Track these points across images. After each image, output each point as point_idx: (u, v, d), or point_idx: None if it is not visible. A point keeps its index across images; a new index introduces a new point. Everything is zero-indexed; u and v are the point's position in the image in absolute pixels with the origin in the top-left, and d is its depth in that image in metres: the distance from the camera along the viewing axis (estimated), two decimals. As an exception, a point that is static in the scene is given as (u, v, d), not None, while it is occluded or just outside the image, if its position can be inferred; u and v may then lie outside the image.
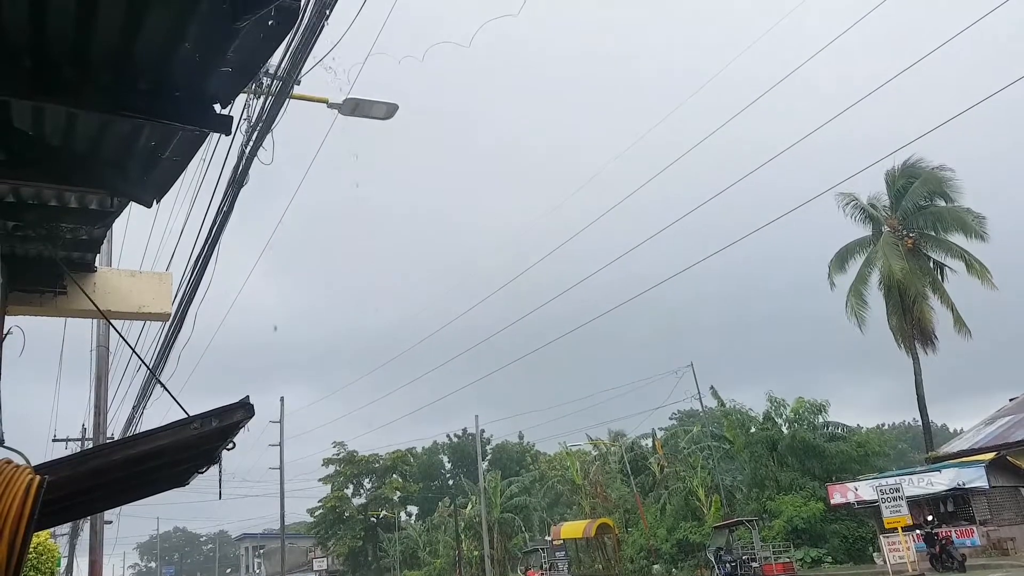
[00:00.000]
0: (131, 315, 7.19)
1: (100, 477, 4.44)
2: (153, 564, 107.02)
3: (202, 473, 5.46)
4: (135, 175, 4.20)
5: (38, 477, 3.21)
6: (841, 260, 32.95)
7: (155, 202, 4.52)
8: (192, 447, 4.77)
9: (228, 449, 5.19)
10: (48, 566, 13.35)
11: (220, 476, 5.16)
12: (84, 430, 26.58)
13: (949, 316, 30.58)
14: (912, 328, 30.47)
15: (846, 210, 32.72)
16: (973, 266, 29.86)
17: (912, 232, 31.10)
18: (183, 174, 4.41)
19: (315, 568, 59.92)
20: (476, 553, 46.90)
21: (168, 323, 9.32)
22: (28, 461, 3.58)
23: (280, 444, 43.99)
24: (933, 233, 31.15)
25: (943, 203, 31.07)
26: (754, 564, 24.92)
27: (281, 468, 43.88)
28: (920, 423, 34.17)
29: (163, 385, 6.07)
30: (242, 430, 4.84)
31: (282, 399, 45.54)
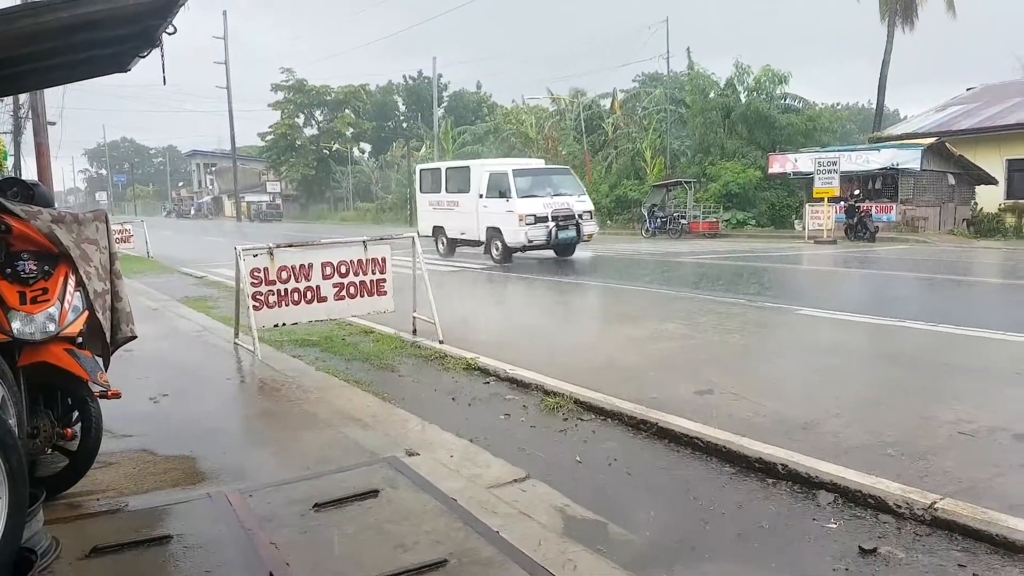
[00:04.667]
0: None
1: (33, 43, 4.00)
2: (103, 172, 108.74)
3: (143, 58, 5.01)
4: None
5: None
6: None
7: None
8: (130, 21, 4.29)
9: (169, 33, 4.70)
10: (-7, 158, 13.16)
11: (163, 61, 4.72)
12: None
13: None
14: (897, 1, 29.04)
15: None
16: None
17: None
18: None
19: (268, 191, 61.95)
20: (427, 191, 48.77)
21: None
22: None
23: (225, 62, 41.96)
24: None
25: None
26: (683, 221, 26.72)
27: (228, 87, 42.48)
28: (874, 106, 34.52)
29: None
30: (181, 9, 4.33)
31: (224, 12, 42.35)
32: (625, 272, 14.65)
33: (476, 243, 17.31)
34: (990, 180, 24.80)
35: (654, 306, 10.05)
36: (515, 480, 3.88)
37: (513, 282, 13.47)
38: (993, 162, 24.94)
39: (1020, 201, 24.03)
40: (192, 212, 72.09)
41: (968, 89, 33.80)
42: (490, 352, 6.89)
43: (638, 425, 4.78)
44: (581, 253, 17.94)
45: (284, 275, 6.82)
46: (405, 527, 2.97)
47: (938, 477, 3.69)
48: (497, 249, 16.37)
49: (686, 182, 27.88)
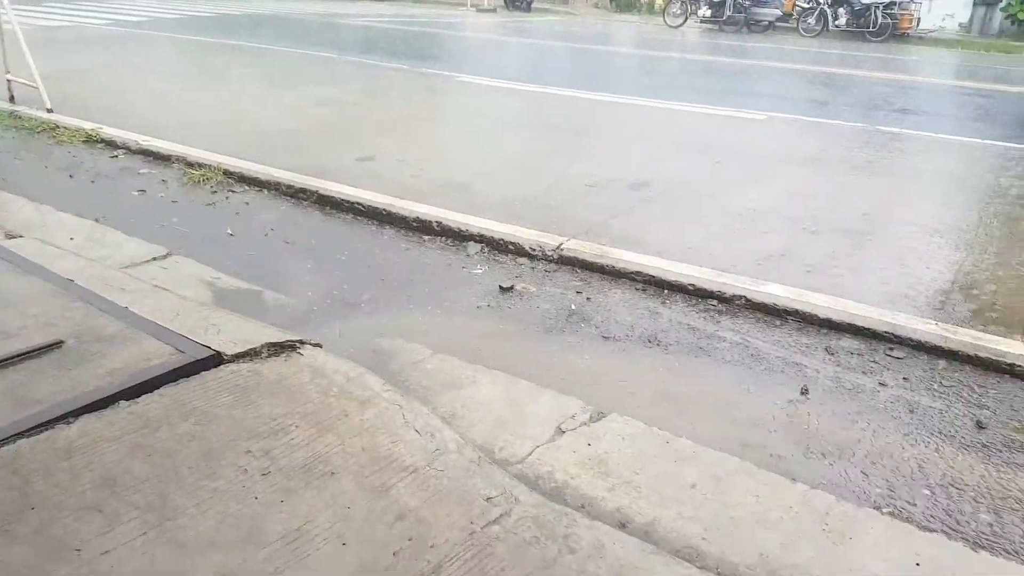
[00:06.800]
0: None
1: None
2: None
3: None
4: None
5: None
6: None
7: None
8: None
9: None
10: None
11: None
12: None
13: None
14: None
15: None
16: None
17: None
18: None
19: None
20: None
21: None
22: None
23: None
24: None
25: None
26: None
27: None
28: None
29: None
30: None
31: None
32: (286, 33, 13.31)
33: None
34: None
35: (315, 70, 9.40)
36: (154, 258, 3.49)
37: (149, 43, 11.42)
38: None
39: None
40: None
41: None
42: (117, 122, 5.86)
43: (297, 194, 4.55)
44: (231, 11, 15.75)
45: None
46: (6, 314, 2.49)
47: (567, 223, 4.16)
48: None
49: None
